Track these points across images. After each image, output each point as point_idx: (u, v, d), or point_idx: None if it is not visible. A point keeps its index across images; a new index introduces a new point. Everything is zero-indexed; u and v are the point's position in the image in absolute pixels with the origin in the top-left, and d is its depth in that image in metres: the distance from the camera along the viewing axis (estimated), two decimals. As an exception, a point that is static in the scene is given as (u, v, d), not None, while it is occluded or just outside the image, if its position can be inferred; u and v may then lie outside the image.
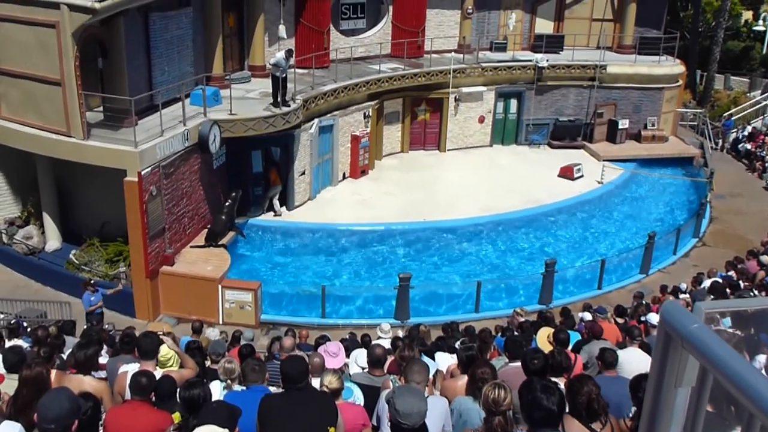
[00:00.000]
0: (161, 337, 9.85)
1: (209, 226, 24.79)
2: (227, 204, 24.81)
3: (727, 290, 16.90)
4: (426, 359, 9.77)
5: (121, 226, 22.16)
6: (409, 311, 22.81)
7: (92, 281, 20.66)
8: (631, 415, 7.42)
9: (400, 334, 17.53)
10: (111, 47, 22.15)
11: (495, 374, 7.92)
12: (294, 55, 26.13)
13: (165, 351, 10.12)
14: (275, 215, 27.34)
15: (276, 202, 27.40)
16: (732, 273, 20.97)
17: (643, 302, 20.18)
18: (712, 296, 16.42)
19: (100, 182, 23.02)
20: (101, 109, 22.88)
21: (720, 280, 19.02)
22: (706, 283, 19.33)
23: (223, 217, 24.53)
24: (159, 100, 22.52)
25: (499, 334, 16.56)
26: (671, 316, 2.19)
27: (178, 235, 23.51)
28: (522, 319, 17.20)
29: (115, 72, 22.33)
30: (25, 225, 25.49)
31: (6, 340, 12.19)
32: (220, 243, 24.33)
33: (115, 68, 22.32)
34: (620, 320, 16.87)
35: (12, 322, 16.71)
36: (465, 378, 8.29)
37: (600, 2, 38.74)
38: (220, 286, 22.27)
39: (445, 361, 11.28)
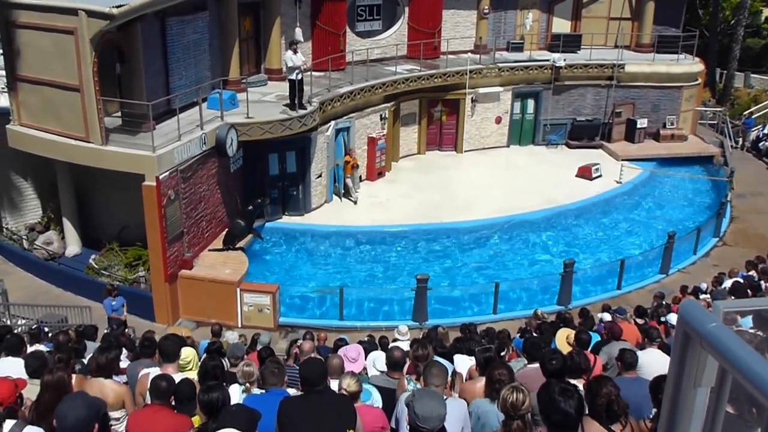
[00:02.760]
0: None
1: (228, 229, 24.85)
2: (250, 209, 24.86)
3: (749, 291, 16.78)
4: (444, 361, 9.75)
5: (139, 230, 22.25)
6: (427, 313, 22.81)
7: (113, 286, 20.74)
8: (651, 416, 7.39)
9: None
10: (129, 53, 22.23)
11: (512, 376, 7.90)
12: (298, 45, 25.95)
13: (185, 353, 10.16)
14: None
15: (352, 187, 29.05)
16: (753, 273, 20.83)
17: (664, 302, 20.05)
18: (733, 296, 16.30)
19: (118, 187, 23.12)
20: (119, 114, 23.03)
21: (741, 280, 18.89)
22: (727, 283, 19.18)
23: (241, 221, 24.60)
24: (176, 105, 22.67)
25: (518, 335, 16.56)
26: (690, 315, 2.18)
27: (196, 238, 23.60)
28: (540, 321, 17.16)
29: (133, 77, 22.43)
30: (46, 230, 25.69)
31: (28, 346, 12.27)
32: (237, 246, 24.41)
33: (132, 73, 22.42)
34: (640, 321, 16.76)
35: (33, 327, 16.83)
36: (483, 380, 8.26)
37: (618, 1, 38.52)
38: (238, 290, 22.33)
39: (463, 363, 11.25)
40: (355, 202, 28.22)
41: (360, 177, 30.98)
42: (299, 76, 25.02)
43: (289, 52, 24.95)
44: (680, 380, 2.24)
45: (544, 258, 26.89)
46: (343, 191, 29.14)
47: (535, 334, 15.38)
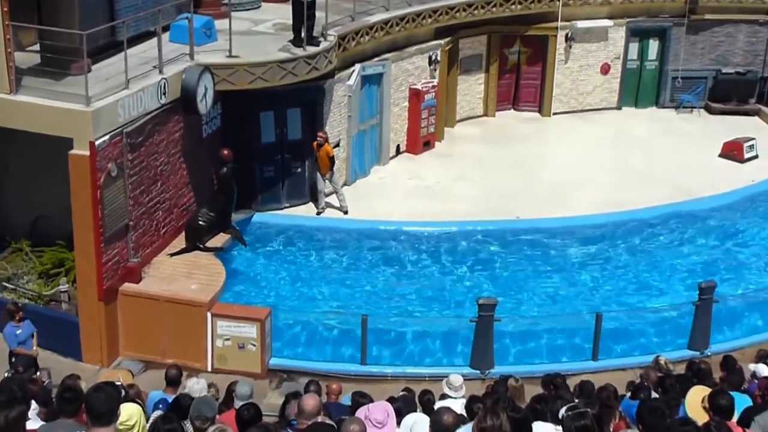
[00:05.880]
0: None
1: (189, 220, 24.92)
2: (220, 181, 25.00)
3: None
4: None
5: (62, 222, 22.18)
6: (493, 357, 22.68)
7: (18, 306, 20.60)
8: None
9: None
10: (54, -44, 22.25)
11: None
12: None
13: (127, 413, 10.08)
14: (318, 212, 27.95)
15: (336, 192, 27.97)
16: None
17: None
18: None
19: (33, 158, 23.26)
20: (38, 48, 22.96)
21: None
22: None
23: (210, 212, 24.65)
24: (124, 35, 22.37)
25: (629, 394, 16.42)
26: None
27: (148, 236, 23.59)
28: (663, 374, 17.00)
29: (60, -7, 22.44)
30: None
31: None
32: (207, 246, 24.44)
33: (59, -12, 22.43)
34: (815, 378, 16.61)
35: None
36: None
37: None
38: (209, 314, 22.17)
39: (545, 433, 11.21)
40: (346, 212, 27.97)
41: (398, 147, 30.87)
42: (311, -1, 25.11)
43: None
44: None
45: (669, 277, 26.72)
46: (321, 201, 28.04)
47: (655, 394, 15.29)
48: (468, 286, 25.73)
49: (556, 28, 34.42)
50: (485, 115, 35.33)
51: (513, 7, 32.86)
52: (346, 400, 16.97)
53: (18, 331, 19.83)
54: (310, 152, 27.51)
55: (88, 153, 20.76)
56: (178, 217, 24.91)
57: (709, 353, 22.59)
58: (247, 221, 26.43)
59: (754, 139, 32.91)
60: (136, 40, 23.33)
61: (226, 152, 24.79)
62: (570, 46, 35.19)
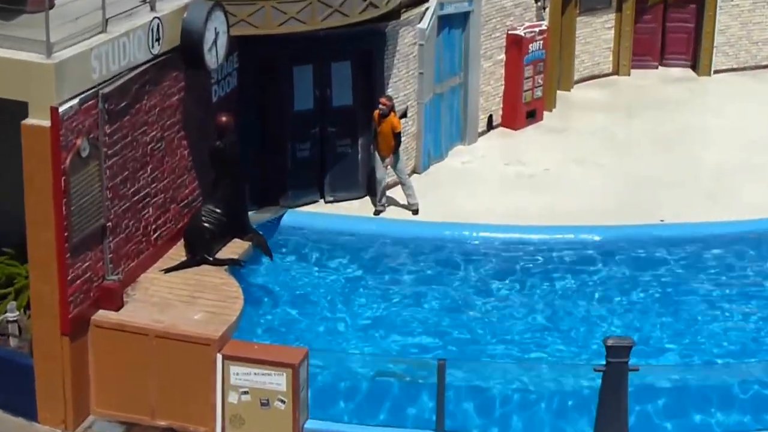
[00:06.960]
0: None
1: (191, 221, 24.84)
2: (214, 160, 24.84)
3: None
4: None
5: (13, 222, 21.98)
6: (627, 422, 21.88)
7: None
8: None
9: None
10: None
11: None
12: None
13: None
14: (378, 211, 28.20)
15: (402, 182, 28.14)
16: None
17: None
18: None
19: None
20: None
21: None
22: None
23: (217, 208, 24.45)
24: (99, -41, 22.26)
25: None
26: None
27: (134, 243, 23.41)
28: None
29: None
30: None
31: None
32: (217, 258, 24.37)
33: None
34: None
35: None
36: None
37: None
38: (219, 356, 21.82)
39: None
40: (416, 212, 28.16)
41: (489, 118, 30.69)
42: None
43: None
44: None
45: None
46: (380, 195, 28.35)
47: None
48: (593, 319, 25.39)
49: (718, -47, 34.23)
50: (616, 73, 36.01)
51: None
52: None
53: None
54: (366, 125, 27.66)
55: (48, 123, 20.41)
56: (176, 216, 24.83)
57: None
58: (274, 223, 26.62)
59: None
60: (118, -38, 22.90)
61: (224, 118, 24.69)
62: (737, -20, 34.85)
